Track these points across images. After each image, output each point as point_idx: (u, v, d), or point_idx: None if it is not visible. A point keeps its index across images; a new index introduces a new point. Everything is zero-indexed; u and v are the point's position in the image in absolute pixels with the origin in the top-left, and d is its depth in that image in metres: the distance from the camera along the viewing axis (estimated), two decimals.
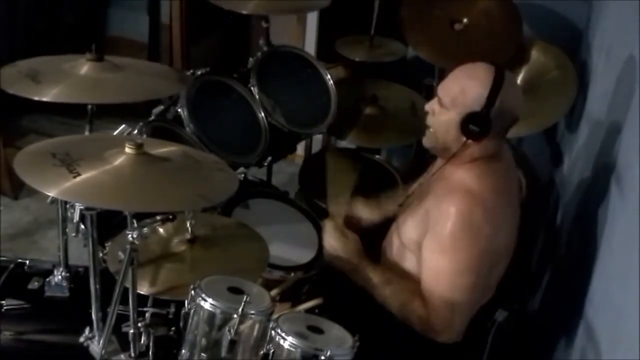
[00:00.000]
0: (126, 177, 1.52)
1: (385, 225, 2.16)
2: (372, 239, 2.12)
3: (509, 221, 1.91)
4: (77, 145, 1.65)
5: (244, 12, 2.53)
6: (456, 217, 1.79)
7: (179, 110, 2.27)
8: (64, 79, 1.82)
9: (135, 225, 1.60)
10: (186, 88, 2.26)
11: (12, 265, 2.07)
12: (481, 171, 1.85)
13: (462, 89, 1.83)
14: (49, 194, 1.45)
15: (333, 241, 2.04)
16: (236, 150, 2.36)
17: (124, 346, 1.76)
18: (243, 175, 2.38)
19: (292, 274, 2.06)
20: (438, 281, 1.84)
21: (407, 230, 1.95)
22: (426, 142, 1.97)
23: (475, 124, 1.81)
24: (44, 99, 1.73)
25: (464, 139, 1.83)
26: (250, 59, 2.56)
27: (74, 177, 1.45)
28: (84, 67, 1.86)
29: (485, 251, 1.82)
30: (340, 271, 2.01)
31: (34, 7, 3.87)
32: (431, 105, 1.92)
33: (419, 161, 3.07)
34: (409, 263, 1.96)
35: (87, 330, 1.77)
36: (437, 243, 1.83)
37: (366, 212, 2.24)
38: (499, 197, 1.85)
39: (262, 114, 2.46)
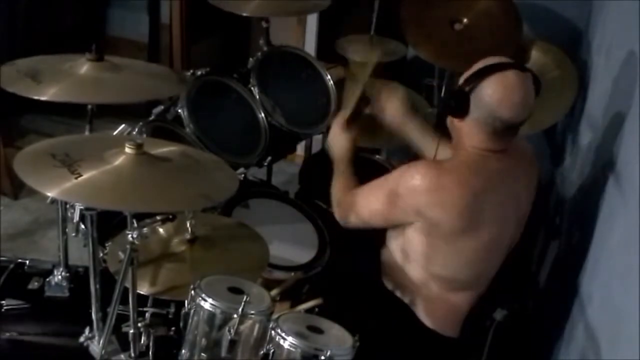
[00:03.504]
0: (126, 177, 1.52)
1: None
2: None
3: (460, 209, 1.84)
4: (77, 145, 1.65)
5: (245, 14, 2.53)
6: (409, 166, 1.90)
7: (179, 110, 2.27)
8: (64, 79, 1.83)
9: (135, 225, 1.60)
10: (186, 88, 2.26)
11: (12, 265, 2.07)
12: (464, 160, 1.87)
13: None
14: (49, 194, 1.45)
15: (334, 129, 2.25)
16: (236, 150, 2.36)
17: (124, 346, 1.76)
18: (243, 175, 2.38)
19: (292, 274, 2.06)
20: (363, 187, 2.02)
21: None
22: None
23: (450, 99, 1.88)
24: (44, 98, 1.74)
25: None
26: (250, 59, 2.55)
27: (76, 177, 1.46)
28: (84, 66, 1.86)
29: (406, 196, 1.86)
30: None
31: (34, 7, 3.87)
32: None
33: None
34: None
35: (87, 330, 1.77)
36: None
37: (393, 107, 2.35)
38: (461, 187, 1.83)
39: (262, 114, 2.46)
